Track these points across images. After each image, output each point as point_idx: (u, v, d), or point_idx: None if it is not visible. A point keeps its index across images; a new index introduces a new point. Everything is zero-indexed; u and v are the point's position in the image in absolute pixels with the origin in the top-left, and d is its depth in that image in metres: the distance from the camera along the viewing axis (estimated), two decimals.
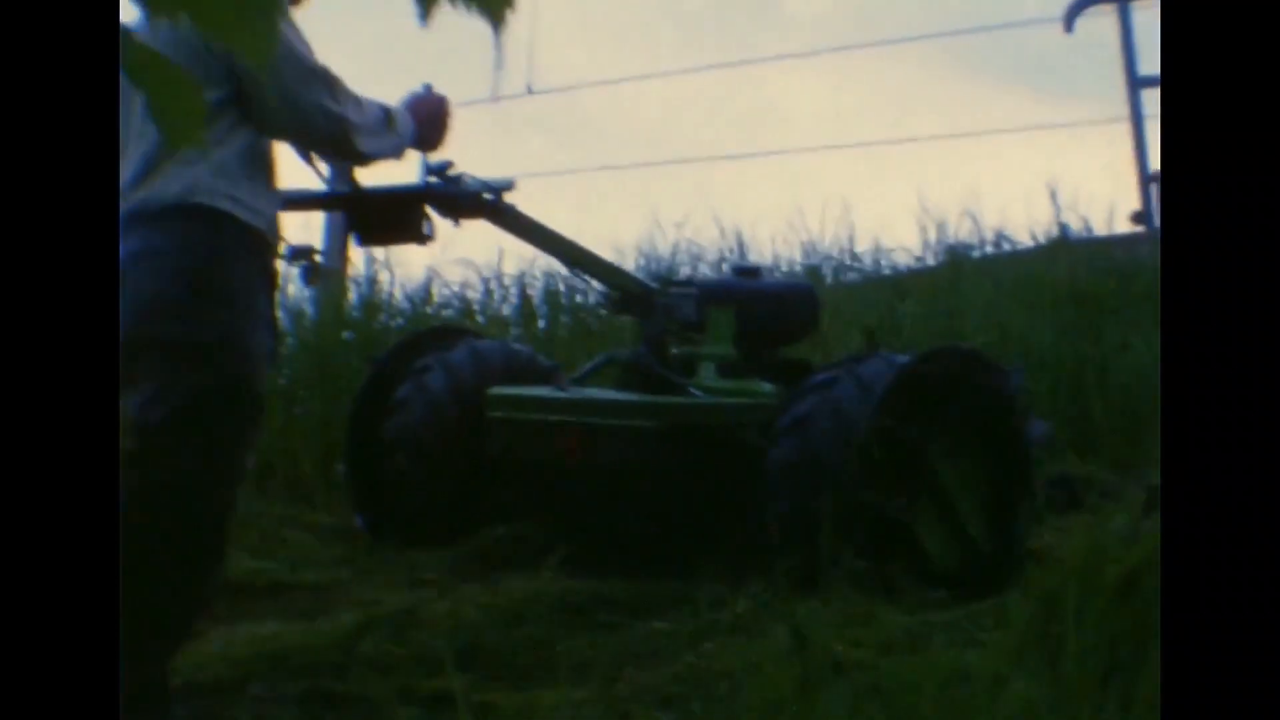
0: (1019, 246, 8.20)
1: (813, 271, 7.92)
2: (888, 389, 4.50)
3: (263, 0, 0.62)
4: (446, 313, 7.35)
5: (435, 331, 5.91)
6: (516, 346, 5.93)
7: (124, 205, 3.30)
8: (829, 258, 8.13)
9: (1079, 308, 6.95)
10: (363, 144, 3.63)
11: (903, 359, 4.71)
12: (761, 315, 5.32)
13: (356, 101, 3.60)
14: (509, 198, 4.74)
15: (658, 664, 3.99)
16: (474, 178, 4.56)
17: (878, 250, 8.25)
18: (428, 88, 3.94)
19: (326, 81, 3.53)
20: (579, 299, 7.39)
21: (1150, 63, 8.83)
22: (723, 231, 8.54)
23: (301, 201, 4.25)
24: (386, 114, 3.69)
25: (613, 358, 5.40)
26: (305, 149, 3.77)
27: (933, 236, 8.09)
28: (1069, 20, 9.18)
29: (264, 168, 3.54)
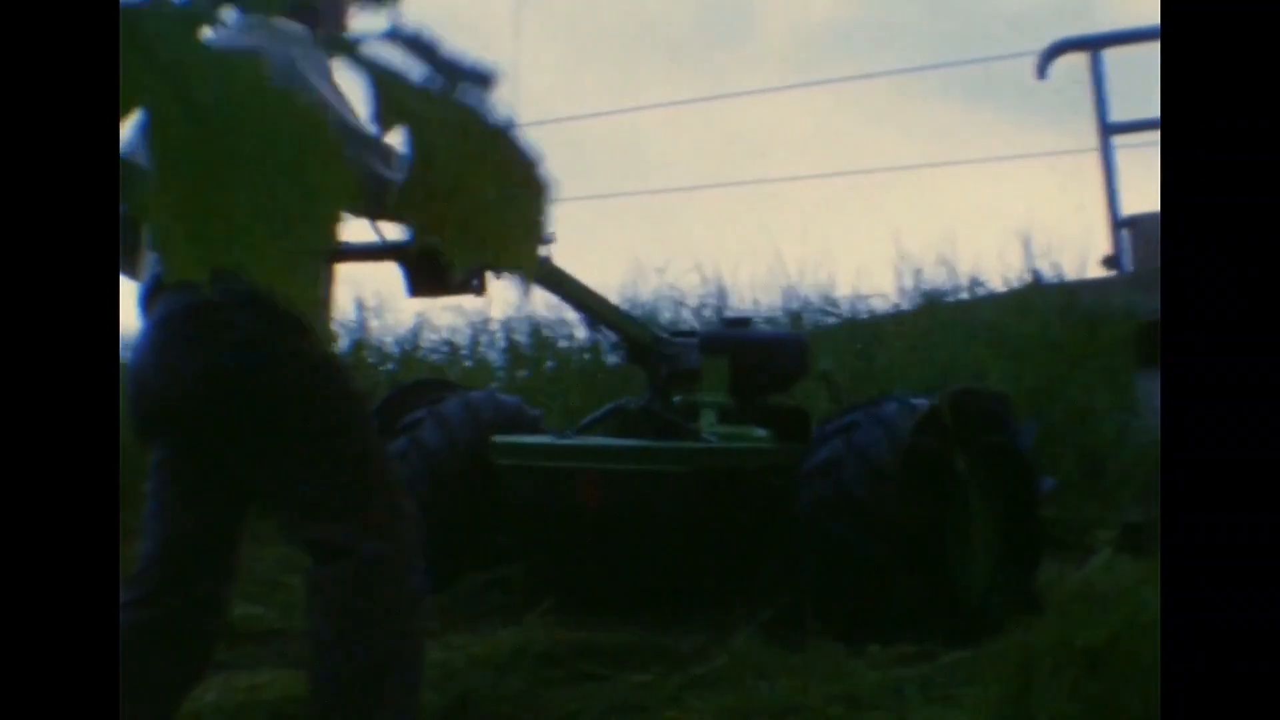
0: (993, 291, 8.30)
1: (794, 317, 8.02)
2: (919, 426, 4.76)
3: (314, 235, 0.65)
4: (435, 358, 7.41)
5: (418, 385, 5.96)
6: (503, 397, 5.99)
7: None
8: (809, 303, 8.24)
9: (1051, 355, 7.05)
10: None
11: (920, 400, 4.96)
12: (757, 364, 5.49)
13: (399, 161, 3.60)
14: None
15: (640, 718, 4.07)
16: None
17: (855, 296, 8.37)
18: None
19: (379, 148, 3.53)
20: (562, 344, 7.48)
21: (1121, 109, 8.92)
22: (704, 278, 8.66)
23: (354, 253, 4.33)
24: None
25: (622, 406, 5.48)
26: (360, 215, 3.83)
27: (909, 283, 8.21)
28: (1041, 66, 9.22)
29: None
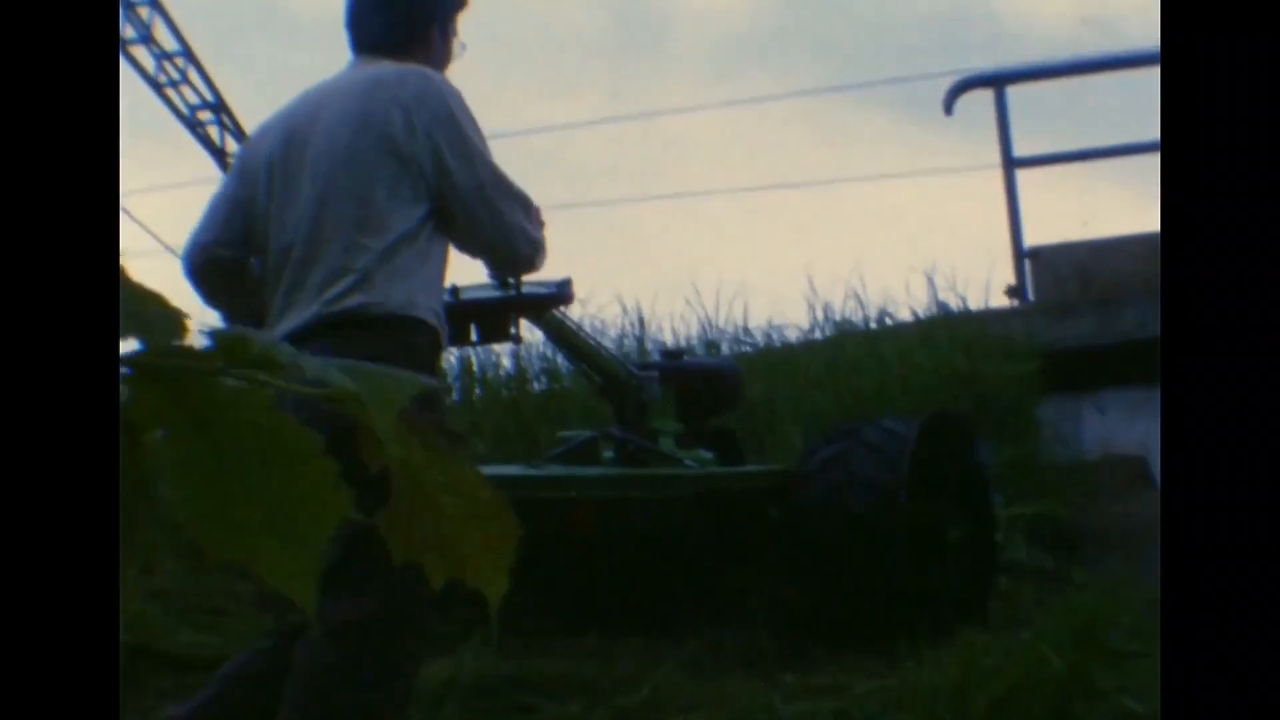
0: (900, 321, 8.46)
1: (711, 347, 8.16)
2: (912, 447, 5.09)
3: (309, 542, 0.74)
4: None
5: None
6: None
7: (322, 305, 3.42)
8: (724, 333, 8.39)
9: (955, 386, 7.20)
10: (540, 260, 3.77)
11: (900, 424, 5.28)
12: (701, 391, 5.78)
13: (541, 219, 3.77)
14: None
15: None
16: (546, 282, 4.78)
17: (770, 326, 8.53)
18: None
19: (525, 204, 3.68)
20: (489, 374, 7.56)
21: (1024, 144, 9.11)
22: (625, 308, 8.77)
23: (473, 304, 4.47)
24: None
25: (604, 434, 5.57)
26: (496, 267, 3.92)
27: (820, 315, 8.37)
28: (948, 102, 9.43)
29: (443, 282, 3.68)
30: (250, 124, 18.01)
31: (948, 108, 9.36)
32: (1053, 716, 3.36)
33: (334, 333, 3.39)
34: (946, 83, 9.48)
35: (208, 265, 3.72)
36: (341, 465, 0.77)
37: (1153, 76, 10.73)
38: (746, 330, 8.47)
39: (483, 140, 3.60)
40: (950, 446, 5.39)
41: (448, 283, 4.08)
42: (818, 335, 8.36)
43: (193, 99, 16.84)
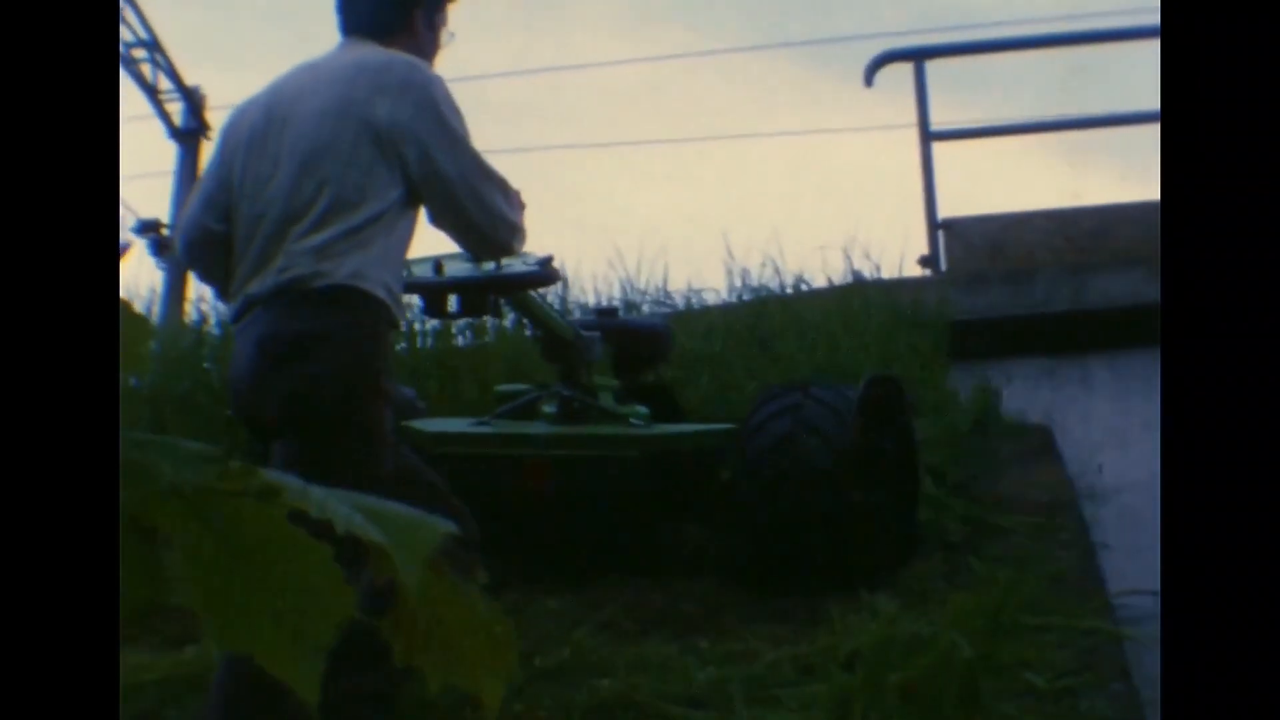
0: (816, 289, 8.50)
1: (633, 307, 8.17)
2: (860, 405, 5.24)
3: (314, 639, 0.76)
4: None
5: None
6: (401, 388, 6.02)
7: (277, 274, 3.52)
8: (645, 294, 8.40)
9: (869, 351, 7.26)
10: (518, 244, 3.87)
11: (848, 387, 5.43)
12: (640, 348, 5.95)
13: (520, 203, 3.84)
14: None
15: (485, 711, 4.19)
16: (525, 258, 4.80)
17: (689, 290, 8.55)
18: None
19: (504, 189, 3.76)
20: (418, 327, 7.53)
21: (940, 116, 9.18)
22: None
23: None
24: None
25: (547, 392, 5.64)
26: (474, 250, 3.95)
27: (738, 281, 8.41)
28: (869, 74, 9.46)
29: (403, 257, 3.75)
30: (184, 62, 17.80)
31: (868, 79, 9.40)
32: (961, 695, 3.43)
33: (279, 301, 3.49)
34: (864, 45, 9.53)
35: (204, 242, 3.81)
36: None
37: (1075, 53, 10.84)
38: (667, 293, 8.49)
39: (464, 127, 3.67)
40: (887, 408, 5.50)
41: (431, 255, 4.10)
42: (735, 300, 8.38)
43: (128, 37, 16.57)
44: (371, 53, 3.77)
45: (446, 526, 0.77)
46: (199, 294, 7.78)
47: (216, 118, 17.70)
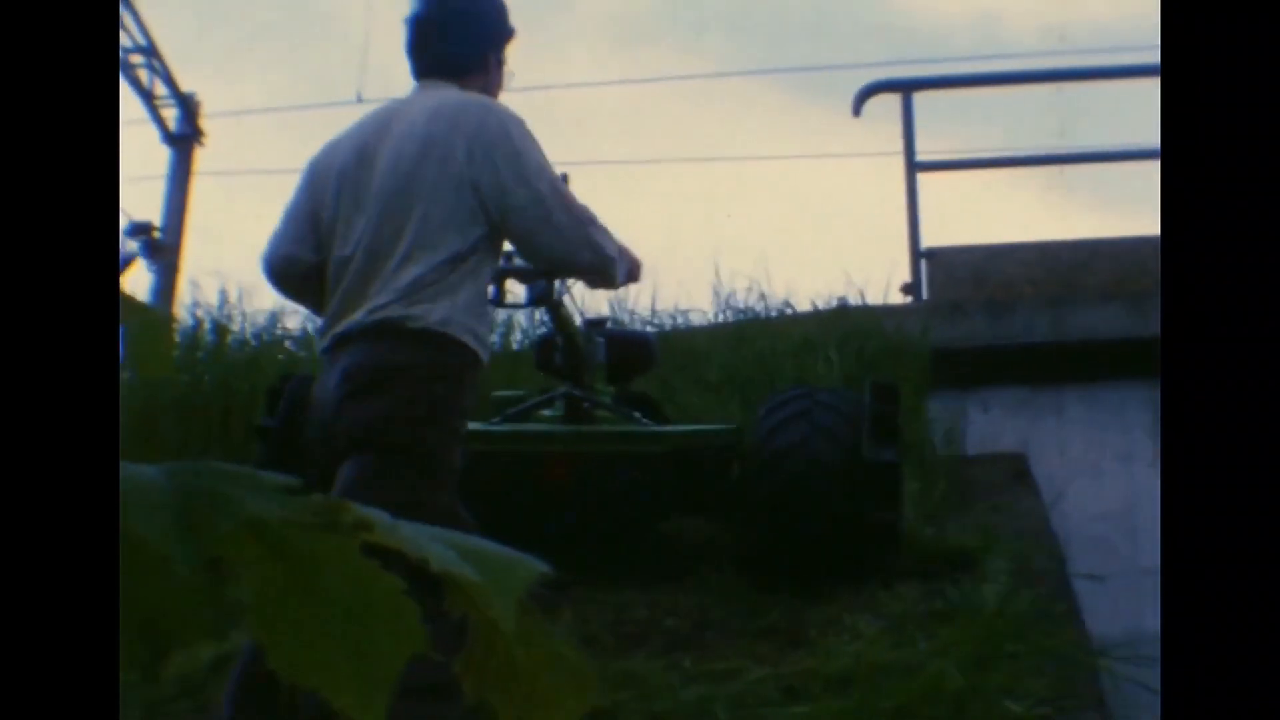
0: (800, 313, 8.51)
1: (621, 325, 8.19)
2: (871, 411, 5.35)
3: (381, 674, 0.75)
4: (288, 344, 7.41)
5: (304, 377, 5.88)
6: None
7: (366, 313, 3.60)
8: (633, 313, 8.41)
9: (853, 376, 7.26)
10: (618, 276, 3.95)
11: (851, 392, 5.63)
12: (631, 357, 6.03)
13: (609, 234, 3.90)
14: None
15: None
16: None
17: (676, 310, 8.57)
18: None
19: (589, 218, 3.81)
20: None
21: (926, 144, 9.19)
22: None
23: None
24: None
25: (558, 393, 5.72)
26: (564, 275, 3.99)
27: (724, 304, 8.42)
28: (857, 105, 9.48)
29: (487, 297, 3.82)
30: (180, 68, 17.73)
31: (856, 109, 9.42)
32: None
33: (370, 339, 3.57)
34: (852, 74, 9.56)
35: (291, 273, 3.93)
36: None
37: (1056, 90, 10.88)
38: (654, 312, 8.51)
39: (543, 159, 3.76)
40: (888, 413, 5.57)
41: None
42: (721, 320, 8.39)
43: (126, 42, 16.52)
44: (450, 94, 3.87)
45: (539, 566, 0.76)
46: (193, 298, 7.74)
47: (210, 124, 17.66)
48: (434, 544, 0.72)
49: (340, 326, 3.66)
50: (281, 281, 4.00)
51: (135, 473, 0.70)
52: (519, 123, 3.80)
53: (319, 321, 3.92)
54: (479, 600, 0.72)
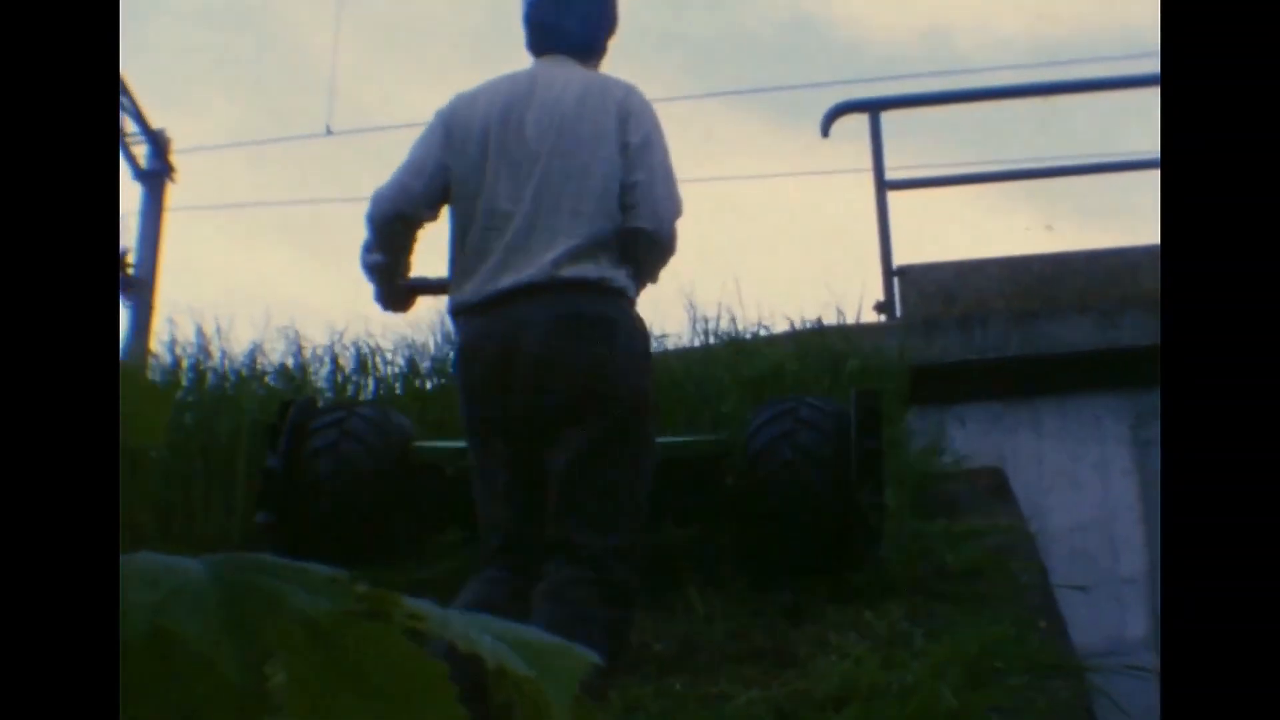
0: (774, 333, 8.48)
1: None
2: (856, 421, 5.42)
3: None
4: (267, 377, 7.35)
5: (307, 402, 5.79)
6: (397, 415, 5.90)
7: (551, 266, 3.71)
8: None
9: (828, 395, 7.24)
10: (659, 270, 4.07)
11: (833, 403, 5.67)
12: None
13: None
14: None
15: None
16: None
17: (652, 335, 8.50)
18: None
19: (681, 213, 4.00)
20: (386, 369, 7.49)
21: (895, 167, 9.19)
22: None
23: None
24: None
25: None
26: (643, 252, 4.01)
27: (699, 326, 8.38)
28: (825, 125, 9.48)
29: None
30: (150, 105, 17.64)
31: (824, 130, 9.41)
32: None
33: (561, 290, 3.70)
34: (816, 94, 9.55)
35: (412, 222, 3.99)
36: None
37: (1025, 106, 10.89)
38: None
39: (667, 149, 3.94)
40: (873, 419, 5.60)
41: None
42: (697, 344, 8.35)
43: None
44: (593, 74, 4.08)
45: (590, 655, 0.74)
46: (170, 335, 7.67)
47: (180, 160, 17.61)
48: (485, 637, 0.69)
49: (506, 281, 3.74)
50: (391, 235, 3.99)
51: (178, 568, 0.68)
52: (654, 108, 3.99)
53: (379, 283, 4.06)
54: (530, 692, 0.70)
